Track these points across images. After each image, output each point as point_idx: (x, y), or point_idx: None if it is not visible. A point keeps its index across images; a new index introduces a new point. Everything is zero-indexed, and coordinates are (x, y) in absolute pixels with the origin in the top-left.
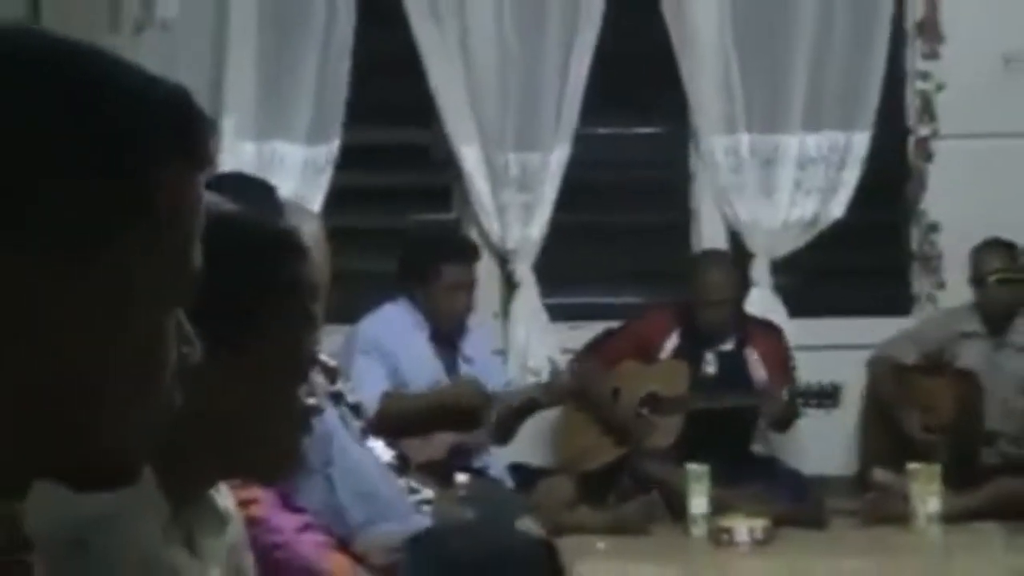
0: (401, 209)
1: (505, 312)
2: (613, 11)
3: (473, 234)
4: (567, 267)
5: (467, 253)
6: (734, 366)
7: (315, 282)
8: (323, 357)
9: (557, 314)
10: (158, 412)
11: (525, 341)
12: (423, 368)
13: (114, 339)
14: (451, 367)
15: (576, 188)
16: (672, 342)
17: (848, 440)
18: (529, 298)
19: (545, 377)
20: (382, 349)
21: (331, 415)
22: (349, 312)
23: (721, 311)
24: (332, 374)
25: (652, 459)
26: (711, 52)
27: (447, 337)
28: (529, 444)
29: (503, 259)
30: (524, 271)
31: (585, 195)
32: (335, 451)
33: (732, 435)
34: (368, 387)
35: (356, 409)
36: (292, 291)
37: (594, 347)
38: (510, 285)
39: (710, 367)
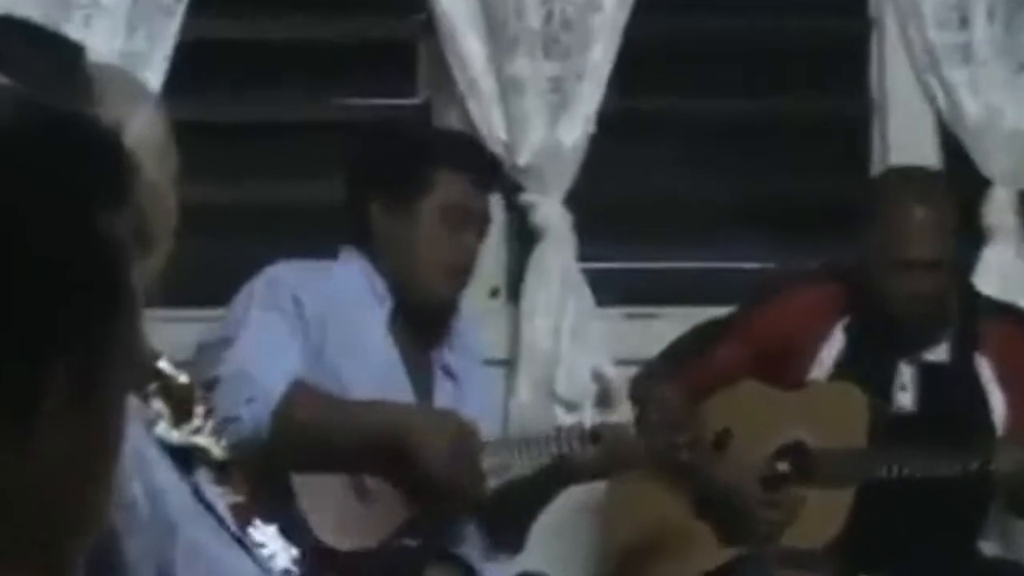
0: (316, 88)
1: (514, 288)
2: None
3: None
4: (629, 202)
5: (480, 159)
6: (952, 392)
7: (146, 221)
8: (164, 365)
9: (610, 291)
10: None
11: (550, 343)
12: (371, 365)
13: None
14: (422, 382)
15: (648, 51)
16: (834, 345)
17: None
18: (559, 261)
19: (588, 412)
20: (304, 309)
21: (173, 492)
22: (217, 286)
23: (926, 284)
24: (182, 397)
25: (795, 565)
26: None
27: (423, 319)
28: (549, 536)
29: (510, 187)
30: (550, 210)
31: (665, 63)
32: (179, 556)
33: (945, 524)
34: (267, 362)
35: (224, 468)
36: (109, 248)
37: (682, 354)
38: (523, 237)
39: (906, 393)
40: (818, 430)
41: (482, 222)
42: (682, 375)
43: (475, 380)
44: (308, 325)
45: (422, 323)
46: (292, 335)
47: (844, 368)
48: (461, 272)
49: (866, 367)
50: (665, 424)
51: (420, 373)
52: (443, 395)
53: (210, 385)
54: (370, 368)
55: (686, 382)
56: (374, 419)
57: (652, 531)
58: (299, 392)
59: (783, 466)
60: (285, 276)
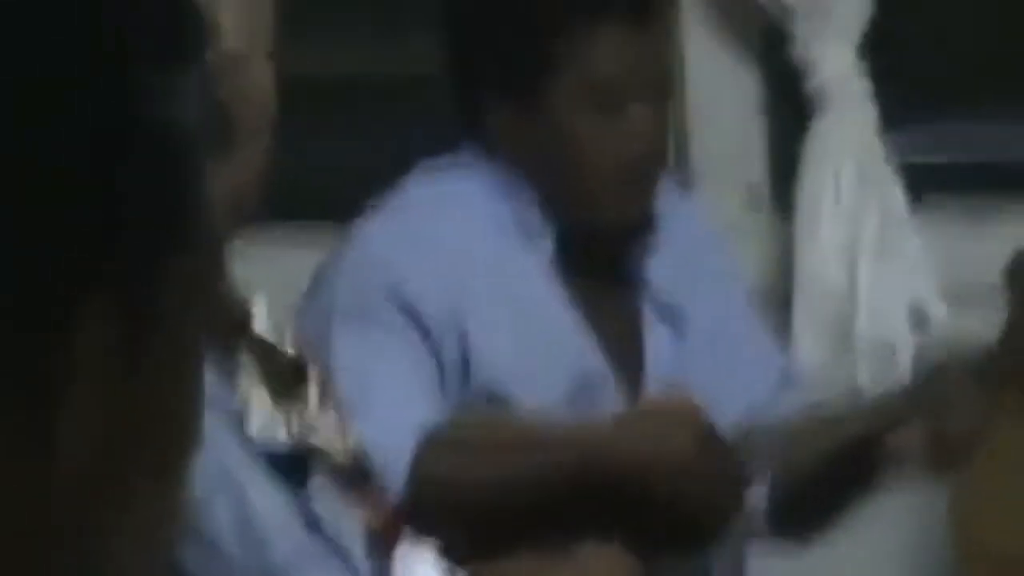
0: None
1: (782, 187)
2: None
3: None
4: (966, 46)
5: None
6: None
7: (228, 104)
8: (259, 318)
9: (935, 182)
10: None
11: (842, 266)
12: (541, 344)
13: None
14: (625, 343)
15: None
16: None
17: None
18: (853, 141)
19: (904, 369)
20: (414, 299)
21: (281, 528)
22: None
23: None
24: (289, 371)
25: None
26: None
27: (605, 247)
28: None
29: (769, 33)
30: (836, 63)
31: None
32: None
33: None
34: (378, 419)
35: (356, 475)
36: (164, 132)
37: None
38: (794, 109)
39: None
40: None
41: (657, 81)
42: None
43: (711, 291)
44: (430, 324)
45: (604, 251)
46: (407, 356)
47: None
48: (644, 165)
49: None
50: None
51: (617, 329)
52: (659, 351)
53: None
54: (540, 346)
55: None
56: (554, 454)
57: None
58: (429, 448)
59: None
60: (378, 250)
